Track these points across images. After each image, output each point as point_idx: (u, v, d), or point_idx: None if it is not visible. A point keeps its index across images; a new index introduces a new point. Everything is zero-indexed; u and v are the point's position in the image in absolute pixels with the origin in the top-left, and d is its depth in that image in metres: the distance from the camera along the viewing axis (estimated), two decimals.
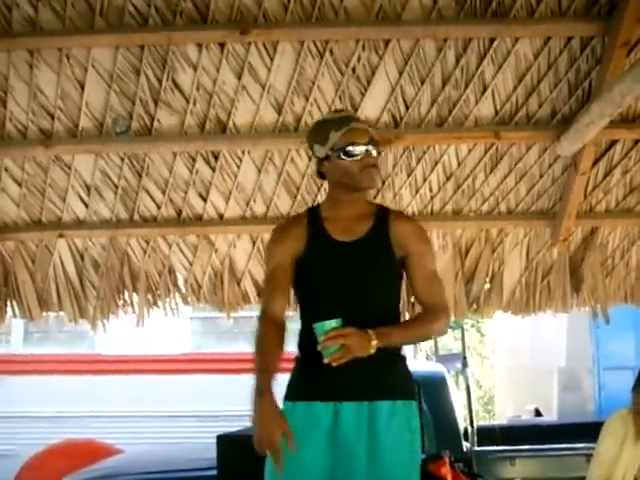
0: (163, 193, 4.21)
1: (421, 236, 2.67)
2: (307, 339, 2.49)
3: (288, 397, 2.55)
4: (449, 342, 16.53)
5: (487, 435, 6.47)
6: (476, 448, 5.91)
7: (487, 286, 4.54)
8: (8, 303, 4.60)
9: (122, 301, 4.51)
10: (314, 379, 2.51)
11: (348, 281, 2.56)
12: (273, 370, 2.46)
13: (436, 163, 4.14)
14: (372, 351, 2.39)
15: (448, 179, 4.22)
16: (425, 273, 2.63)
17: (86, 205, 4.30)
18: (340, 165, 2.55)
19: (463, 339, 6.79)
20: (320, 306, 2.57)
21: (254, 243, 4.41)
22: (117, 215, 4.33)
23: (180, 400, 8.72)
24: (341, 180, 2.58)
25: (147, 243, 4.44)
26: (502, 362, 12.38)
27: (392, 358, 2.54)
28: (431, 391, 6.05)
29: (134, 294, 4.48)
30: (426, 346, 16.13)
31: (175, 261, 4.46)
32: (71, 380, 9.36)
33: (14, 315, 4.63)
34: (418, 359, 10.21)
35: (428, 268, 2.64)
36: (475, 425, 6.11)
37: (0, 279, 4.56)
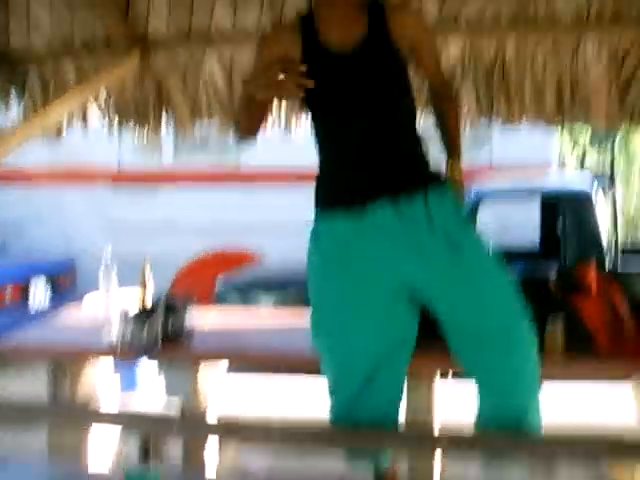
0: None
1: (424, 28, 2.72)
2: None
3: None
4: (594, 157, 15.85)
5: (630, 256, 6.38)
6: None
7: None
8: (162, 114, 4.80)
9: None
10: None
11: (355, 102, 2.46)
12: None
13: None
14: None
15: None
16: (434, 60, 2.75)
17: (233, 15, 4.31)
18: None
19: (612, 154, 6.56)
20: (332, 136, 2.59)
21: None
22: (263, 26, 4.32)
23: None
24: None
25: None
26: None
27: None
28: (575, 205, 5.96)
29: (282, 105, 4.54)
30: (570, 162, 15.65)
31: None
32: (220, 192, 9.78)
33: (168, 126, 4.81)
34: (563, 173, 9.99)
35: (434, 54, 2.76)
36: (619, 243, 6.04)
37: (153, 92, 4.74)
